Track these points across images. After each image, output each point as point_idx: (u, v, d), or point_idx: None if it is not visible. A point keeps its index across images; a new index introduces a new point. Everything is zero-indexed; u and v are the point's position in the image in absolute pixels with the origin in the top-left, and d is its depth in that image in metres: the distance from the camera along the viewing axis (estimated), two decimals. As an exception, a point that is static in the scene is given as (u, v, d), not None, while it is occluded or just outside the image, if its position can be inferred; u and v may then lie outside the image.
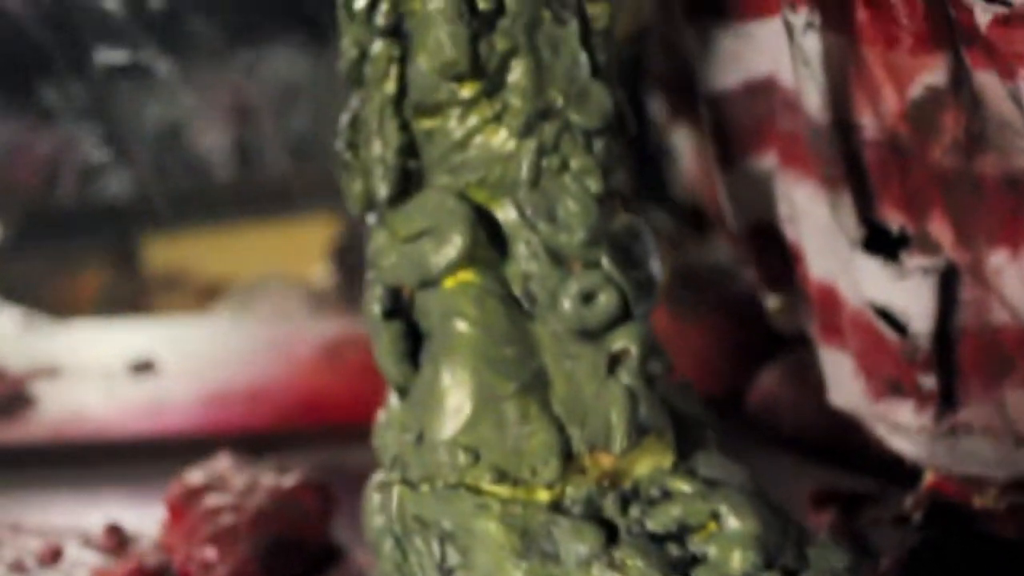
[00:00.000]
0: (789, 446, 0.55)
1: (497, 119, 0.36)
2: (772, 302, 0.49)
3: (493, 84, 0.36)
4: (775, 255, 0.46)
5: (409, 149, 0.37)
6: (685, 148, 0.63)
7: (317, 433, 0.64)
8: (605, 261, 0.35)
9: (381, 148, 0.38)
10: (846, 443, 0.49)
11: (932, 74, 0.39)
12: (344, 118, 0.41)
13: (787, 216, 0.43)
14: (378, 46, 0.38)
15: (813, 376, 0.48)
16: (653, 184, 0.83)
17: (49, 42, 0.87)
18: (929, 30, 0.39)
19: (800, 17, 0.38)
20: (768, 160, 0.44)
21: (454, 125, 0.36)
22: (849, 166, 0.40)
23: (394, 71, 0.37)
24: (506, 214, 0.35)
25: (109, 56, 0.90)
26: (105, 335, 0.98)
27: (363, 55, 0.39)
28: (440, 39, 0.36)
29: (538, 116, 0.36)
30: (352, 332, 0.72)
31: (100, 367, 0.79)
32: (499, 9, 0.36)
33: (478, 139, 0.36)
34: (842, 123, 0.40)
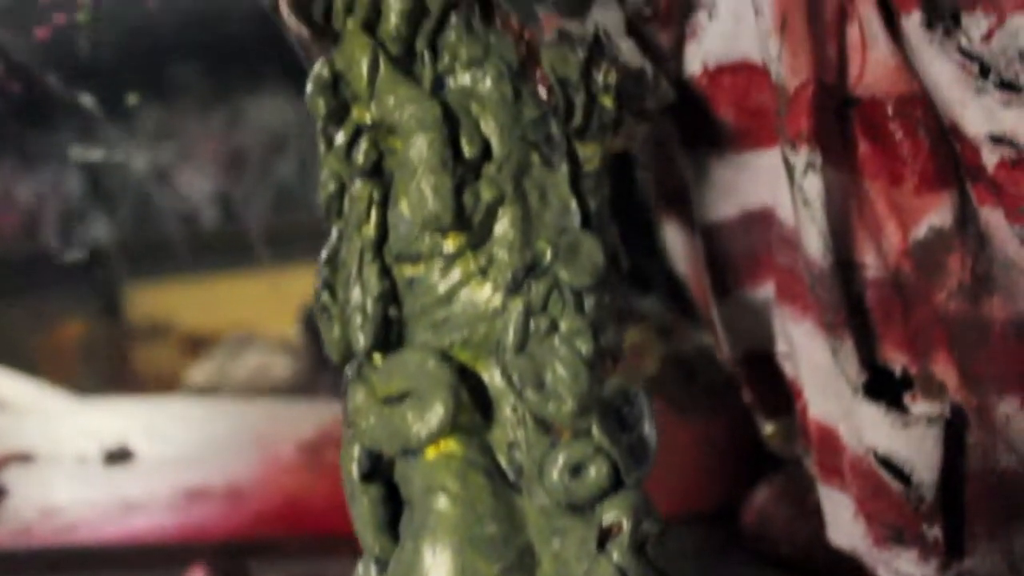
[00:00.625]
0: (785, 569, 0.53)
1: (482, 273, 0.34)
2: (768, 428, 0.47)
3: (478, 236, 0.34)
4: (772, 384, 0.44)
5: (390, 295, 0.36)
6: (675, 245, 0.61)
7: (296, 541, 0.62)
8: (595, 430, 0.33)
9: (361, 296, 0.36)
10: (844, 572, 0.48)
11: (937, 215, 0.38)
12: (323, 254, 0.39)
13: (784, 353, 0.42)
14: (358, 187, 0.36)
15: (811, 500, 0.46)
16: (643, 265, 0.81)
17: (23, 136, 0.85)
18: (934, 169, 0.37)
19: (800, 157, 0.37)
20: (764, 290, 0.42)
21: (437, 278, 0.34)
22: (850, 309, 0.38)
23: (375, 215, 0.36)
24: (492, 376, 0.33)
25: (85, 154, 0.88)
26: (81, 414, 0.95)
27: (342, 188, 0.37)
28: (423, 191, 0.34)
29: (526, 271, 0.34)
30: (333, 430, 0.69)
31: (75, 453, 0.77)
32: (485, 154, 0.34)
33: (462, 294, 0.34)
34: (843, 263, 0.38)
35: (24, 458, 0.78)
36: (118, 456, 0.76)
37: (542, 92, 0.35)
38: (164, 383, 2.45)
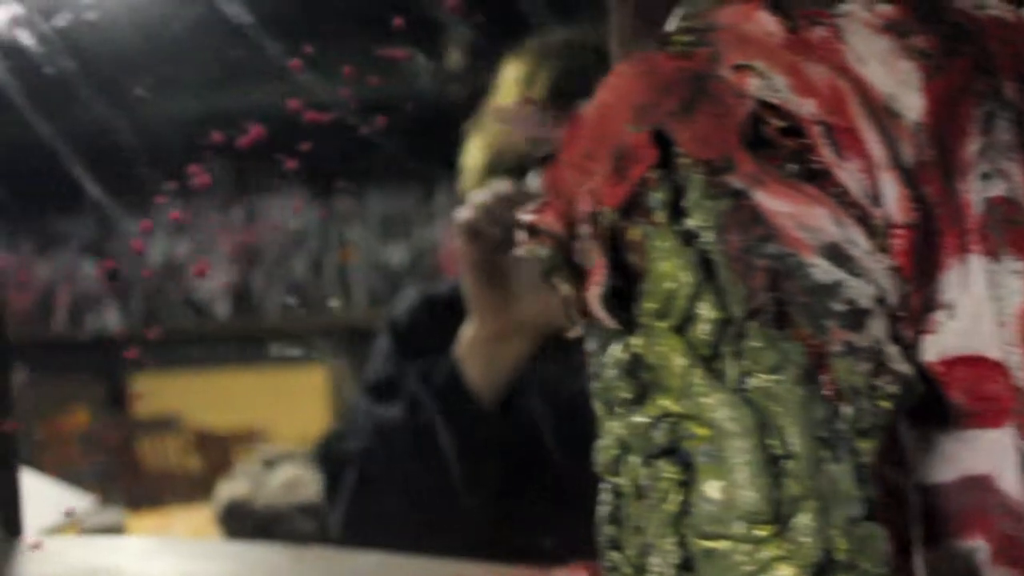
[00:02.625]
0: None
1: (788, 557, 0.39)
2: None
3: (784, 525, 0.39)
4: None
5: (685, 564, 0.41)
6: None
7: None
8: None
9: (661, 563, 0.41)
10: None
11: None
12: (601, 511, 0.44)
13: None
14: (663, 466, 0.41)
15: None
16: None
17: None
18: None
19: (1039, 449, 0.42)
20: (973, 542, 0.48)
21: (743, 557, 0.40)
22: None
23: (678, 494, 0.41)
24: (797, 650, 0.39)
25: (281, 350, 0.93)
26: (162, 556, 0.97)
27: (622, 453, 0.42)
28: (744, 488, 0.39)
29: (825, 558, 0.39)
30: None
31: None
32: (789, 453, 0.40)
33: (769, 574, 0.39)
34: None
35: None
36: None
37: (828, 394, 0.41)
38: (169, 478, 2.46)
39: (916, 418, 0.47)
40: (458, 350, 1.04)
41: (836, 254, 0.41)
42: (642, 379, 0.42)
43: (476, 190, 1.02)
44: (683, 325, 0.41)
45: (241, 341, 2.32)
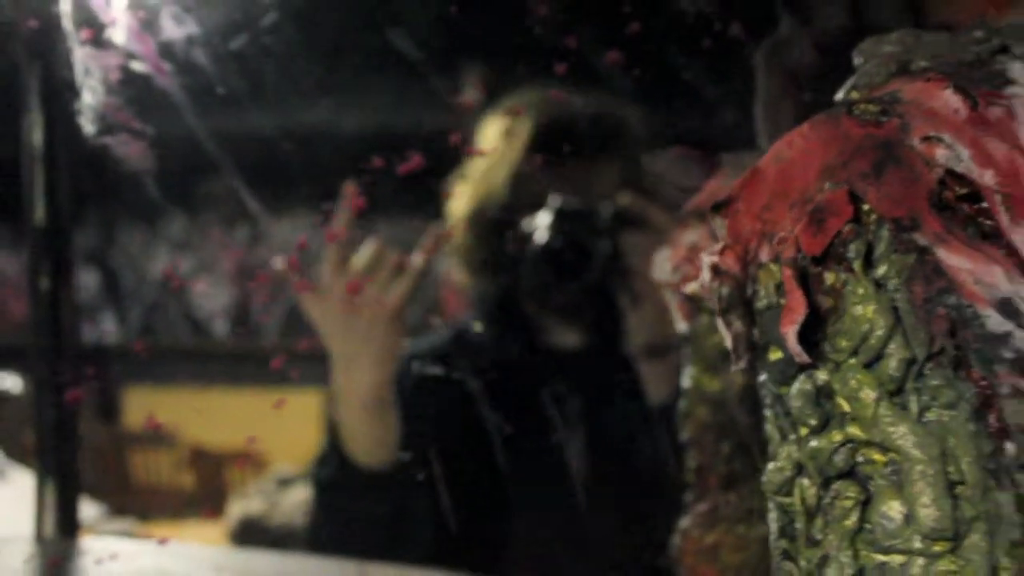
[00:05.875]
0: None
1: (957, 572, 0.44)
2: None
3: (958, 543, 0.44)
4: None
5: (860, 574, 0.46)
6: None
7: None
8: None
9: (837, 574, 0.45)
10: None
11: None
12: (772, 527, 0.49)
13: None
14: (844, 487, 0.46)
15: None
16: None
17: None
18: None
19: None
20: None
21: (917, 571, 0.44)
22: None
23: (857, 513, 0.46)
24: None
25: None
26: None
27: (799, 471, 0.47)
28: (928, 508, 0.44)
29: (990, 571, 0.44)
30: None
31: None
32: (962, 479, 0.45)
33: (940, 588, 0.44)
34: None
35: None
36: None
37: (994, 430, 0.46)
38: (163, 492, 2.48)
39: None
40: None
41: (1008, 308, 0.46)
42: (826, 409, 0.47)
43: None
44: (872, 363, 0.46)
45: (239, 360, 2.35)
